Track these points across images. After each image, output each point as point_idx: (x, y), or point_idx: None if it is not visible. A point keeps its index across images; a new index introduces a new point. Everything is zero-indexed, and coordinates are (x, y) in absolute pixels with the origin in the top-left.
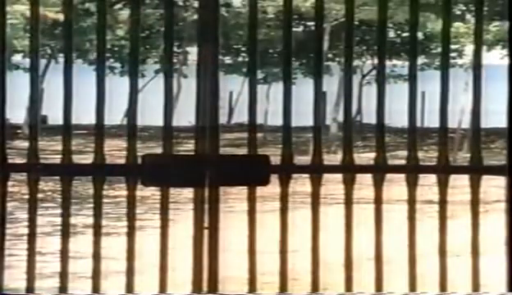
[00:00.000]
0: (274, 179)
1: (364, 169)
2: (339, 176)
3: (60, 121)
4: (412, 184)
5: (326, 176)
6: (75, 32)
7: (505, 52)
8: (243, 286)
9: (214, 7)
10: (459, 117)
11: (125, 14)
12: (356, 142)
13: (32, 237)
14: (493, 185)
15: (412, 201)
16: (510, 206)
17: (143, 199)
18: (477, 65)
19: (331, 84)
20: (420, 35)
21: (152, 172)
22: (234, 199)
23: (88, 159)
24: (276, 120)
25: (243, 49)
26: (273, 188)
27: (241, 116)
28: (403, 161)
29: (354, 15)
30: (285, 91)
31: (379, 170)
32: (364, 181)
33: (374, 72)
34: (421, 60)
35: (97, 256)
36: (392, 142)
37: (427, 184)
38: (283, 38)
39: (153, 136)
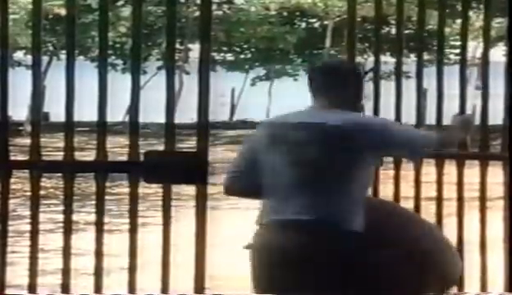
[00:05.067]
0: None
1: None
2: None
3: (62, 118)
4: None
5: None
6: (77, 29)
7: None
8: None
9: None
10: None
11: (127, 11)
12: None
13: (34, 234)
14: (496, 182)
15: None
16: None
17: (145, 196)
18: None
19: None
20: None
21: (154, 169)
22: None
23: (90, 156)
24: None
25: (245, 46)
26: None
27: (244, 113)
28: None
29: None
30: None
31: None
32: None
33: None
34: (425, 56)
35: (99, 253)
36: None
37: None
38: None
39: (155, 133)
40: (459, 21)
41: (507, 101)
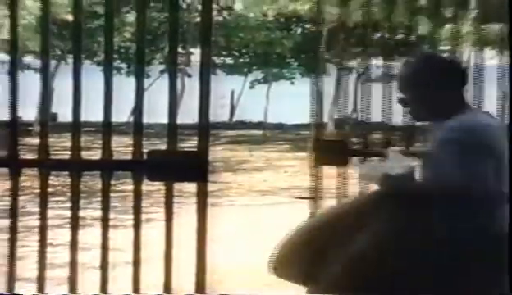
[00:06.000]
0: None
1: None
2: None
3: (69, 119)
4: None
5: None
6: (83, 34)
7: (495, 52)
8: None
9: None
10: None
11: (131, 17)
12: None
13: (43, 229)
14: None
15: None
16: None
17: (148, 193)
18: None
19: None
20: (413, 37)
21: (157, 167)
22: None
23: (96, 155)
24: (275, 118)
25: (244, 51)
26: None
27: (243, 114)
28: None
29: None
30: None
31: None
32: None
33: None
34: None
35: (105, 248)
36: (385, 138)
37: None
38: None
39: (158, 133)
40: (447, 26)
41: (503, 101)
